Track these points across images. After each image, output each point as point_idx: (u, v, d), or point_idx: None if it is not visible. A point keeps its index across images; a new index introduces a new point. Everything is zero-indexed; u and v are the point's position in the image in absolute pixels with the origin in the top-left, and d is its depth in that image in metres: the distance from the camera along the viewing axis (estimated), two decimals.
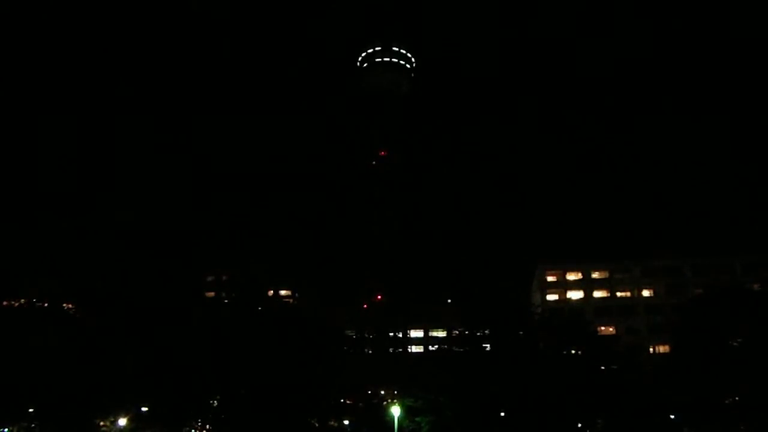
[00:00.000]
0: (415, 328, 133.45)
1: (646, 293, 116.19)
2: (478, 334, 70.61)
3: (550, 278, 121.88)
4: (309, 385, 60.88)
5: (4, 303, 71.24)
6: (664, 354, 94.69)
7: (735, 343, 61.74)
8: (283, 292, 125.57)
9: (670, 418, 62.37)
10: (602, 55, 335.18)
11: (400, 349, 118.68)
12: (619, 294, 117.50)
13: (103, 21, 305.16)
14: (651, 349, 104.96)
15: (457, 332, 75.49)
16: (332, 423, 69.08)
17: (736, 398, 60.15)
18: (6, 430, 58.78)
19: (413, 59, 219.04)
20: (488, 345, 70.17)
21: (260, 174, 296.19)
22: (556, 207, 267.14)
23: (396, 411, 58.88)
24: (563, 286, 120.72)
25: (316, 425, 65.74)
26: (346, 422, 70.38)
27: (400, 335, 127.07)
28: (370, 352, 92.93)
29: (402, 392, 67.37)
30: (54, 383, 55.16)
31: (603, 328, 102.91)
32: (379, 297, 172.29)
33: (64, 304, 70.26)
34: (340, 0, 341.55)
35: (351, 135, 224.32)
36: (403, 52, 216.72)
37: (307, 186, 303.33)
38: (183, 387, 58.98)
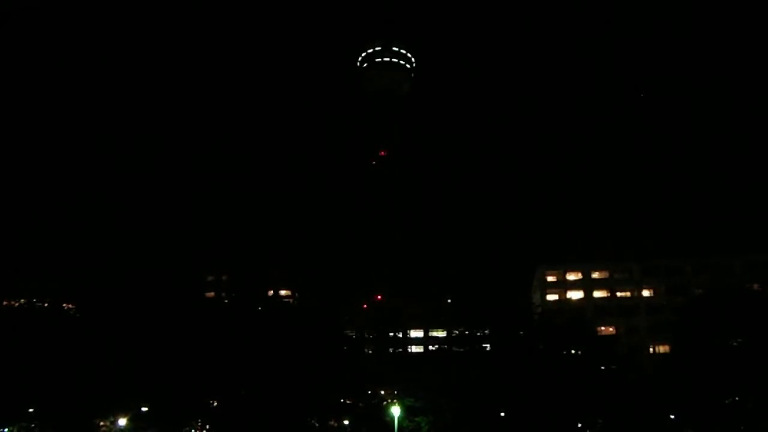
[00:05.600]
0: (415, 328, 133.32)
1: (646, 293, 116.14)
2: (478, 334, 70.72)
3: (550, 278, 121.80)
4: (309, 385, 60.84)
5: (4, 303, 71.23)
6: (664, 354, 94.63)
7: (735, 343, 61.75)
8: (283, 292, 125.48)
9: (670, 418, 62.40)
10: (601, 55, 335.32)
11: (400, 349, 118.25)
12: (619, 294, 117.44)
13: (102, 20, 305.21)
14: (651, 349, 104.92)
15: (457, 332, 75.51)
16: (332, 423, 69.02)
17: (736, 398, 60.16)
18: (6, 430, 58.74)
19: (413, 59, 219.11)
20: (488, 345, 70.22)
21: (260, 174, 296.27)
22: (556, 207, 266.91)
23: (396, 411, 58.90)
24: (563, 286, 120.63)
25: (316, 425, 65.73)
26: (346, 422, 70.32)
27: (400, 335, 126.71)
28: (370, 352, 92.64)
29: (402, 392, 67.37)
30: (54, 383, 55.12)
31: (603, 328, 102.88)
32: (379, 297, 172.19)
33: (64, 304, 70.24)
34: (341, 0, 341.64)
35: (351, 135, 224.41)
36: (403, 52, 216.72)
37: (307, 186, 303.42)
38: (183, 387, 58.95)
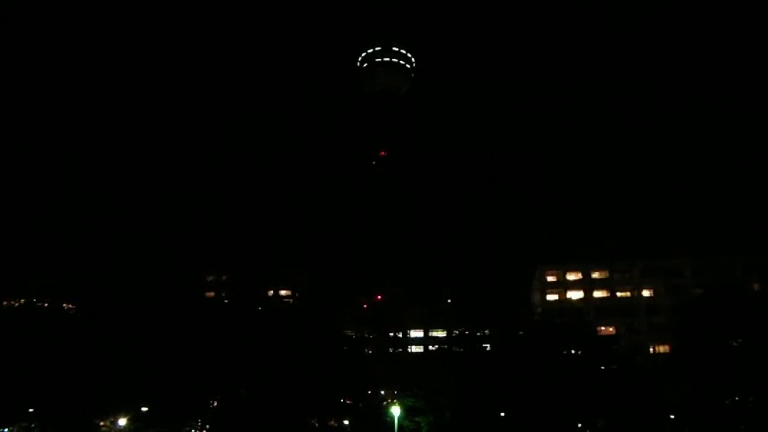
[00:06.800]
0: (415, 328, 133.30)
1: (646, 293, 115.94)
2: (478, 334, 70.85)
3: (550, 278, 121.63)
4: (309, 385, 60.87)
5: (4, 303, 71.28)
6: (664, 354, 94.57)
7: (735, 344, 61.71)
8: (283, 292, 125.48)
9: (670, 418, 62.37)
10: (601, 54, 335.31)
11: (400, 349, 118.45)
12: (619, 294, 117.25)
13: (103, 19, 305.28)
14: (651, 349, 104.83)
15: (457, 332, 75.67)
16: (332, 423, 69.06)
17: (736, 398, 60.12)
18: (6, 430, 58.77)
19: (413, 59, 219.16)
20: (488, 345, 70.29)
21: (260, 174, 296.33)
22: (556, 207, 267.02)
23: (396, 411, 58.90)
24: (563, 286, 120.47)
25: (316, 425, 65.76)
26: (346, 422, 70.36)
27: (400, 335, 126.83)
28: (370, 352, 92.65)
29: (402, 392, 67.43)
30: (54, 383, 55.13)
31: (603, 328, 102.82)
32: (379, 297, 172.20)
33: (64, 304, 70.30)
34: (341, 0, 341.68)
35: (351, 135, 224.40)
36: (403, 52, 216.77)
37: (307, 186, 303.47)
38: (183, 387, 58.99)
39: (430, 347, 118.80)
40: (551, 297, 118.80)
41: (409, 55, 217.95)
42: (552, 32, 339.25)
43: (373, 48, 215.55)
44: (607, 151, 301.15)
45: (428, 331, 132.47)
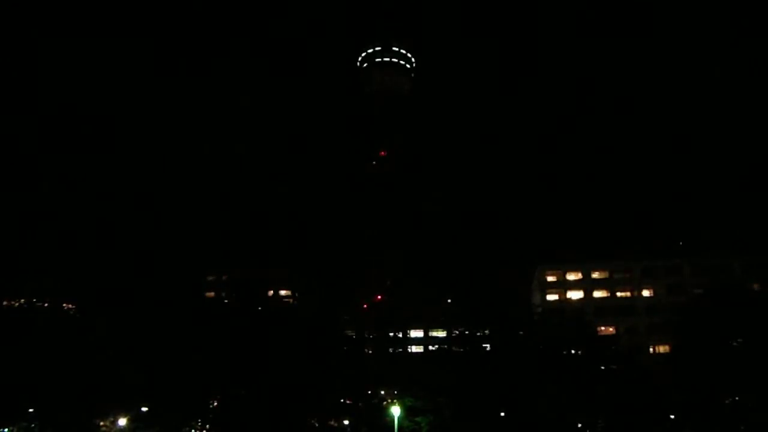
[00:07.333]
0: (415, 328, 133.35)
1: (646, 293, 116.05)
2: (478, 334, 70.77)
3: (550, 278, 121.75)
4: (309, 385, 60.87)
5: (4, 303, 71.28)
6: (664, 354, 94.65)
7: (735, 343, 61.79)
8: (283, 292, 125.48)
9: (670, 418, 62.42)
10: (601, 53, 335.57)
11: (400, 349, 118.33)
12: (619, 294, 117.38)
13: (101, 17, 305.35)
14: (651, 349, 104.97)
15: (457, 332, 75.60)
16: (332, 423, 69.02)
17: (736, 398, 60.19)
18: (6, 430, 58.80)
19: (413, 59, 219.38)
20: (488, 345, 70.27)
21: (260, 174, 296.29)
22: (557, 206, 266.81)
23: (396, 411, 58.93)
24: (563, 286, 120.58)
25: (316, 425, 65.73)
26: (346, 422, 70.33)
27: (400, 335, 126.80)
28: (370, 352, 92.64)
29: (402, 392, 67.38)
30: (54, 383, 55.17)
31: (603, 328, 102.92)
32: (379, 297, 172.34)
33: (64, 304, 70.29)
34: (341, 0, 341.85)
35: (351, 135, 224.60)
36: (403, 52, 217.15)
37: (307, 186, 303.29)
38: (183, 387, 59.01)
39: (430, 347, 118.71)
40: (551, 297, 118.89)
41: (409, 55, 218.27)
42: (552, 32, 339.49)
43: (373, 48, 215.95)
44: (607, 151, 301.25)
45: (428, 331, 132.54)
